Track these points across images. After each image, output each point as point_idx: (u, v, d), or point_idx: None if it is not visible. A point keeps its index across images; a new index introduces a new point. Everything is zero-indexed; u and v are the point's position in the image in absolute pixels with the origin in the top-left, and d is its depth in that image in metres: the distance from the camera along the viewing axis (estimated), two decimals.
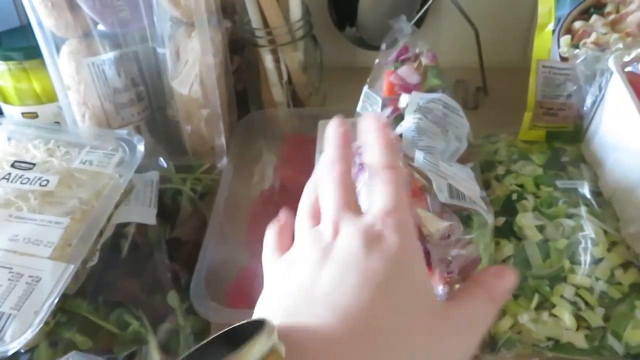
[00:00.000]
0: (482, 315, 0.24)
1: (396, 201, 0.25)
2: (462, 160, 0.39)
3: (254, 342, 0.18)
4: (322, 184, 0.27)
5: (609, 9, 0.43)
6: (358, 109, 0.43)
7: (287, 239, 0.29)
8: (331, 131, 0.29)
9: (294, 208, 0.44)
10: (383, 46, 0.45)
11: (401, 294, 0.22)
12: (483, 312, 0.24)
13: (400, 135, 0.38)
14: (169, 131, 0.52)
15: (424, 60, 0.44)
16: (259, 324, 0.19)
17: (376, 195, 0.25)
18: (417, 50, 0.45)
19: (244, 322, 0.20)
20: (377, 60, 0.45)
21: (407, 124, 0.38)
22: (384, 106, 0.41)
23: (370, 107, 0.42)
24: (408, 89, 0.41)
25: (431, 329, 0.22)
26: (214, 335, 0.20)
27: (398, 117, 0.39)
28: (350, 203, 0.26)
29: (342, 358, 0.20)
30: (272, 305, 0.24)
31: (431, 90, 0.41)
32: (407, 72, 0.43)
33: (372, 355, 0.21)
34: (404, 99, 0.40)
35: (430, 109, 0.39)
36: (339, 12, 0.61)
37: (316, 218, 0.27)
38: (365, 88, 0.43)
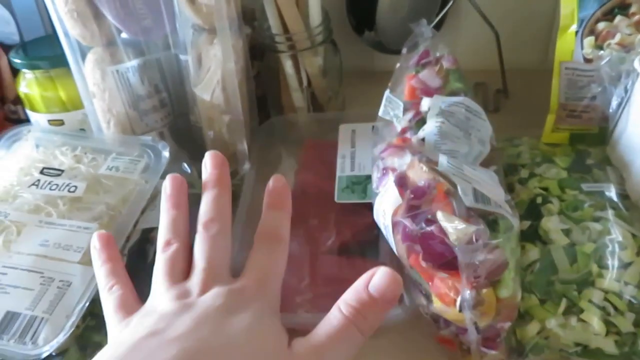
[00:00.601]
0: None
1: (273, 272, 0.28)
2: (485, 164, 0.39)
3: None
4: (198, 241, 0.29)
5: (633, 9, 0.42)
6: (380, 113, 0.43)
7: (134, 300, 0.30)
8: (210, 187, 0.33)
9: (314, 212, 0.45)
10: (404, 50, 0.45)
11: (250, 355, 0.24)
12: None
13: (423, 140, 0.38)
14: (191, 137, 0.53)
15: (445, 63, 0.44)
16: None
17: (253, 261, 0.28)
18: (437, 54, 0.45)
19: None
20: (398, 65, 0.45)
21: (430, 128, 0.38)
22: (405, 110, 0.41)
23: (392, 111, 0.42)
24: (430, 92, 0.41)
25: None
26: None
27: (420, 121, 0.39)
28: (223, 264, 0.28)
29: None
30: (116, 352, 0.24)
31: (453, 93, 0.41)
32: (428, 75, 0.43)
33: None
34: (426, 103, 0.40)
35: (453, 112, 0.39)
36: (358, 16, 0.61)
37: (174, 275, 0.28)
38: (387, 92, 0.43)
